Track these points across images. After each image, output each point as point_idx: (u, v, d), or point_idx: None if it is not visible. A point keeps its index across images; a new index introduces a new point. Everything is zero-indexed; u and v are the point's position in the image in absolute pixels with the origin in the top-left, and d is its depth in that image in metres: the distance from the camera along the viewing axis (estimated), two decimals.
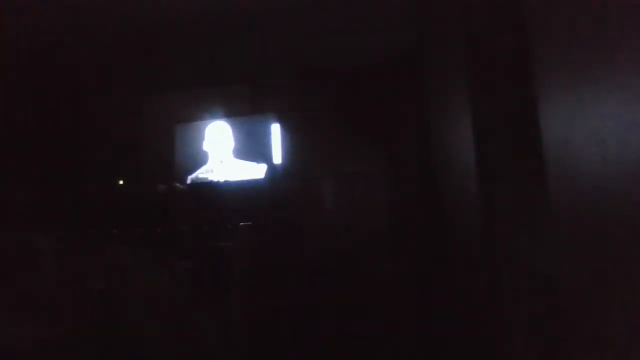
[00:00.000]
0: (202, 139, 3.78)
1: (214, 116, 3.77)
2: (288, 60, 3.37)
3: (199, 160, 3.77)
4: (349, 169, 3.46)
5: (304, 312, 3.12)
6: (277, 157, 3.63)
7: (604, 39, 0.88)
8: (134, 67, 3.28)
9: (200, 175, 3.77)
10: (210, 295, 2.77)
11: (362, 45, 3.12)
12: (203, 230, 3.26)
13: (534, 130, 1.34)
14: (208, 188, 3.73)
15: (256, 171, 3.67)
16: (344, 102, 3.49)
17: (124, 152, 3.63)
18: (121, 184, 3.58)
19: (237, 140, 3.74)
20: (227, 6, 2.46)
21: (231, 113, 3.75)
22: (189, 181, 3.75)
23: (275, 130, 3.65)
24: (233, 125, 3.76)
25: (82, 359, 1.81)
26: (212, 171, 3.77)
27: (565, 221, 1.13)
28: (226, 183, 3.71)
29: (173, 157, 3.75)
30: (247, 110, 3.75)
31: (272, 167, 3.64)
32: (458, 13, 1.95)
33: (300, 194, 3.45)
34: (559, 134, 1.14)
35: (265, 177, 3.62)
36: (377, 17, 2.68)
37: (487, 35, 1.71)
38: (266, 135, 3.68)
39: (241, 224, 3.36)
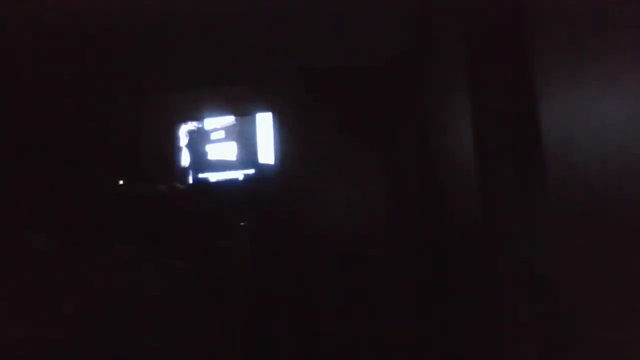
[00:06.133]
0: (202, 138, 3.79)
1: (214, 116, 3.77)
2: (288, 60, 3.37)
3: (200, 160, 3.78)
4: (349, 169, 3.46)
5: (304, 311, 3.12)
6: (277, 158, 3.64)
7: (604, 39, 0.88)
8: (134, 67, 3.28)
9: (201, 175, 3.78)
10: (210, 295, 2.78)
11: (362, 45, 3.12)
12: (203, 230, 3.26)
13: (534, 130, 1.34)
14: (208, 188, 3.73)
15: (255, 171, 3.68)
16: (343, 102, 3.49)
17: (124, 152, 3.63)
18: (121, 184, 3.58)
19: (236, 139, 3.75)
20: (227, 6, 2.47)
21: (231, 113, 3.76)
22: (189, 181, 3.76)
23: (275, 130, 3.66)
24: (233, 125, 3.76)
25: (83, 359, 1.82)
26: (212, 171, 3.77)
27: (565, 220, 1.13)
28: (226, 183, 3.72)
29: (173, 157, 3.75)
30: (247, 110, 3.75)
31: (271, 168, 3.64)
32: (458, 13, 1.95)
33: (300, 194, 3.45)
34: (559, 134, 1.14)
35: (264, 178, 3.62)
36: (377, 17, 2.68)
37: (487, 35, 1.71)
38: (266, 135, 3.69)
39: (241, 224, 3.36)
